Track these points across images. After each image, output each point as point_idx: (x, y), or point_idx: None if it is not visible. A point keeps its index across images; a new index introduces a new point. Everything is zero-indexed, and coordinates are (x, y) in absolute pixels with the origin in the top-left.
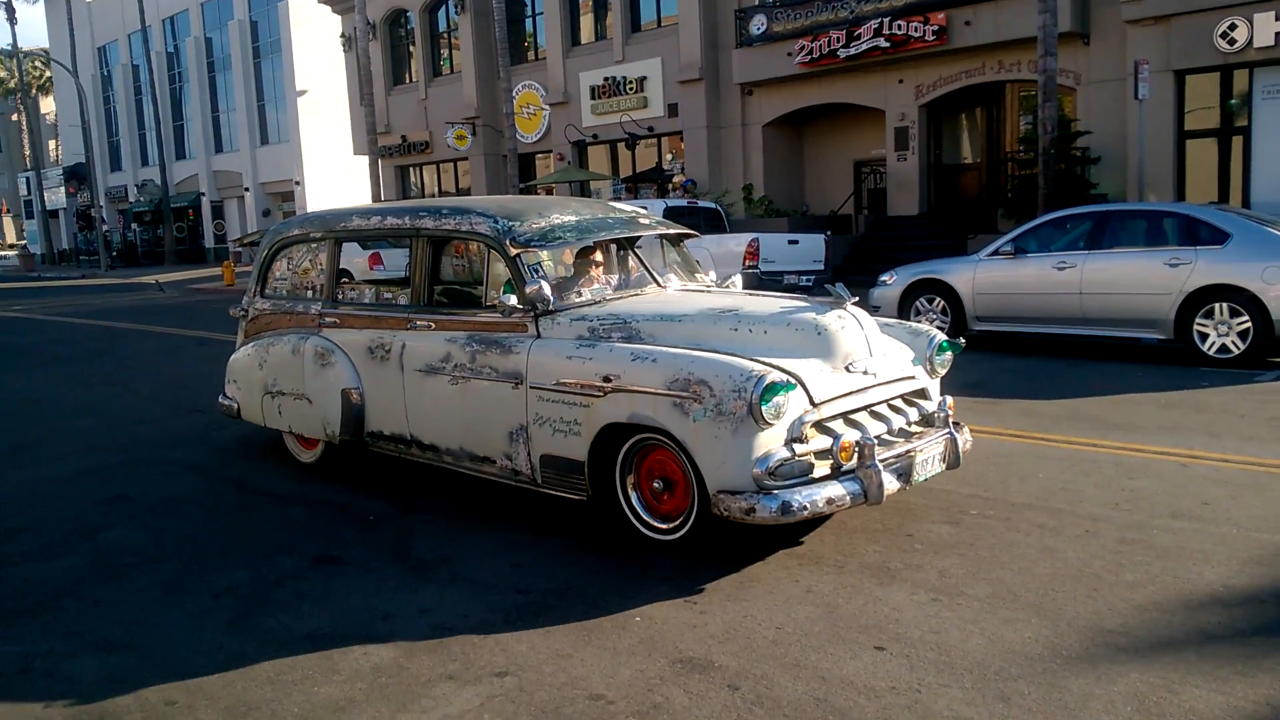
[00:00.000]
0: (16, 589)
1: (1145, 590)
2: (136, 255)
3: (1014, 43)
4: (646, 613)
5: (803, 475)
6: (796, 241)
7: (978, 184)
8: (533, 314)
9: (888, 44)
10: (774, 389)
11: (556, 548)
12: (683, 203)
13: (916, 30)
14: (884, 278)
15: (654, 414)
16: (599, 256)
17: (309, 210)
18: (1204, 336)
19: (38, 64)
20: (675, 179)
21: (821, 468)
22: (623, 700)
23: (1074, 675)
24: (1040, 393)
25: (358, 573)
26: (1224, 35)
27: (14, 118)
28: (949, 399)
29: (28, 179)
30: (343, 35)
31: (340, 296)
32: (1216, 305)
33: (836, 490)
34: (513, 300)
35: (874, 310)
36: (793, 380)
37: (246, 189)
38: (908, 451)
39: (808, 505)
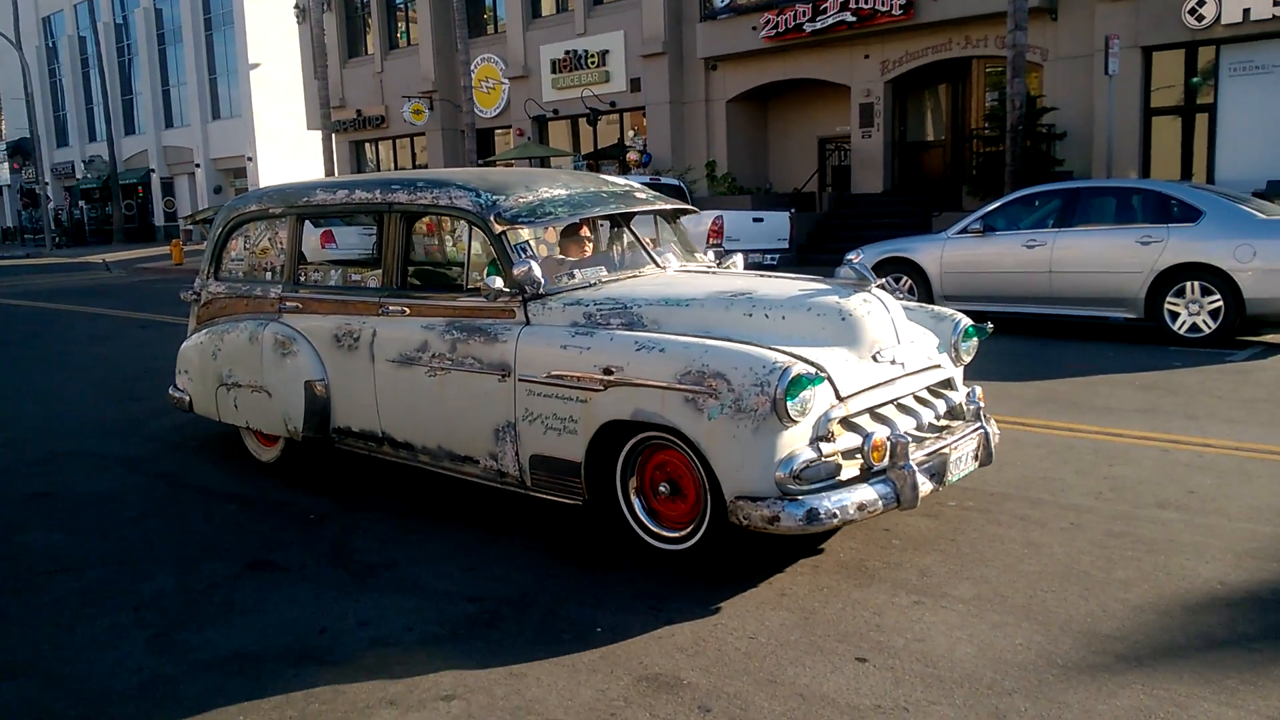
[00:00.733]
0: None
1: (1139, 589)
2: (84, 234)
3: (981, 18)
4: (609, 622)
5: (830, 478)
6: (761, 219)
7: (942, 162)
8: (521, 298)
9: (854, 18)
10: (800, 382)
11: (512, 549)
12: (645, 179)
13: (883, 4)
14: (850, 256)
15: (662, 411)
16: (587, 234)
17: (262, 186)
18: (1175, 315)
19: None
20: (630, 156)
21: (849, 469)
22: None
23: (1072, 688)
24: (1012, 374)
25: (294, 580)
26: (1192, 11)
27: None
28: (978, 389)
29: None
30: (296, 6)
31: (303, 278)
32: (1188, 284)
33: (868, 494)
34: (498, 283)
35: None
36: (820, 372)
37: (197, 165)
38: (941, 449)
39: (837, 512)
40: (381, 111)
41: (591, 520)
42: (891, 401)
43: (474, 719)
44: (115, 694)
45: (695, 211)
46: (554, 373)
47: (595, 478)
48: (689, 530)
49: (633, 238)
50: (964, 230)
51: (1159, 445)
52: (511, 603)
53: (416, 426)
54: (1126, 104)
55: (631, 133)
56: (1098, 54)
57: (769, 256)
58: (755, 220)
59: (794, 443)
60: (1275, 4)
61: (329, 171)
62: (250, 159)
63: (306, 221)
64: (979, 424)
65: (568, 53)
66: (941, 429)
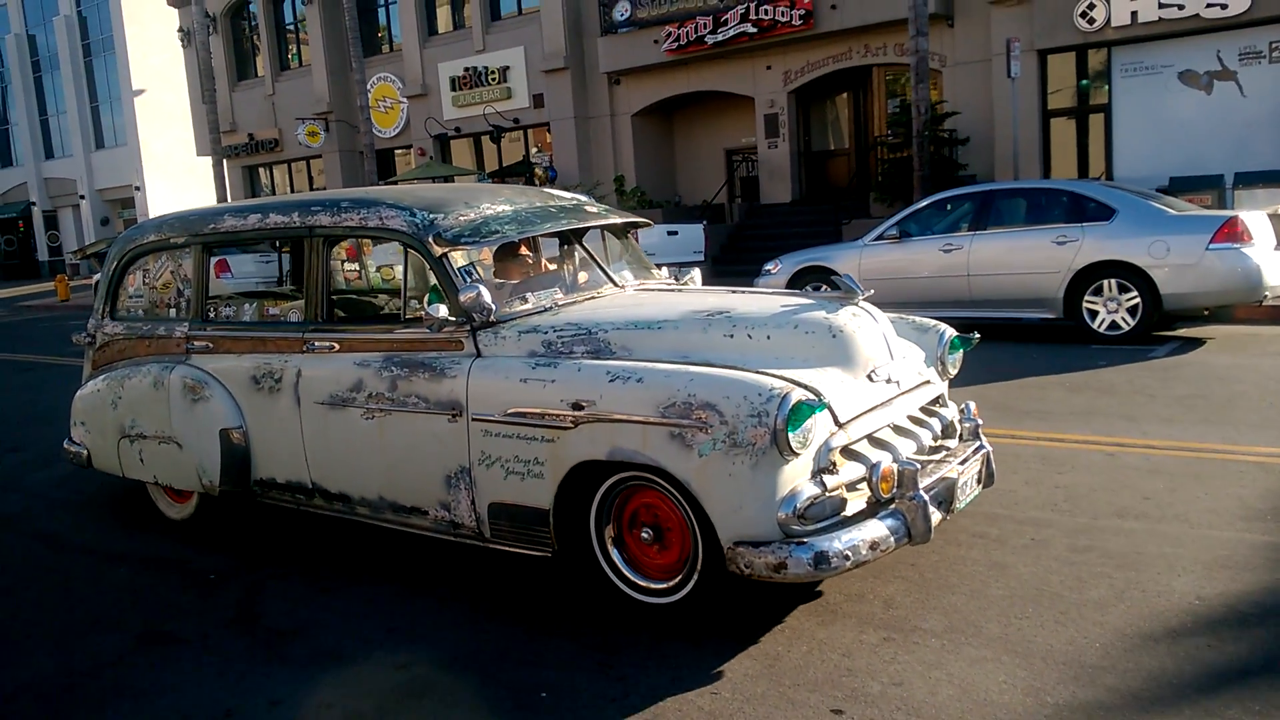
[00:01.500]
0: None
1: (1115, 610)
2: None
3: (880, 26)
4: (554, 683)
5: (835, 514)
6: (676, 232)
7: (848, 170)
8: (469, 327)
9: (755, 29)
10: (802, 410)
11: (438, 604)
12: None
13: (783, 15)
14: (768, 266)
15: (643, 449)
16: (527, 252)
17: (158, 215)
18: (1094, 314)
19: None
20: (536, 172)
21: (854, 502)
22: None
23: None
24: None
25: (195, 653)
26: (1083, 15)
27: None
28: (972, 404)
29: None
30: (180, 29)
31: (212, 314)
32: (1105, 282)
33: (878, 530)
34: (442, 311)
35: None
36: (821, 399)
37: (82, 197)
38: (946, 474)
39: (849, 553)
40: (275, 135)
41: (530, 566)
42: (890, 424)
43: None
44: None
45: (649, 224)
46: (514, 410)
47: (565, 525)
48: (677, 580)
49: (585, 255)
50: (880, 237)
51: (1103, 449)
52: (443, 666)
53: (353, 476)
54: (1026, 106)
55: (535, 149)
56: (995, 58)
57: (683, 270)
58: (670, 233)
59: (795, 478)
60: (1161, 6)
61: (221, 198)
62: (138, 188)
63: (213, 252)
64: (979, 443)
65: (467, 70)
66: (940, 451)
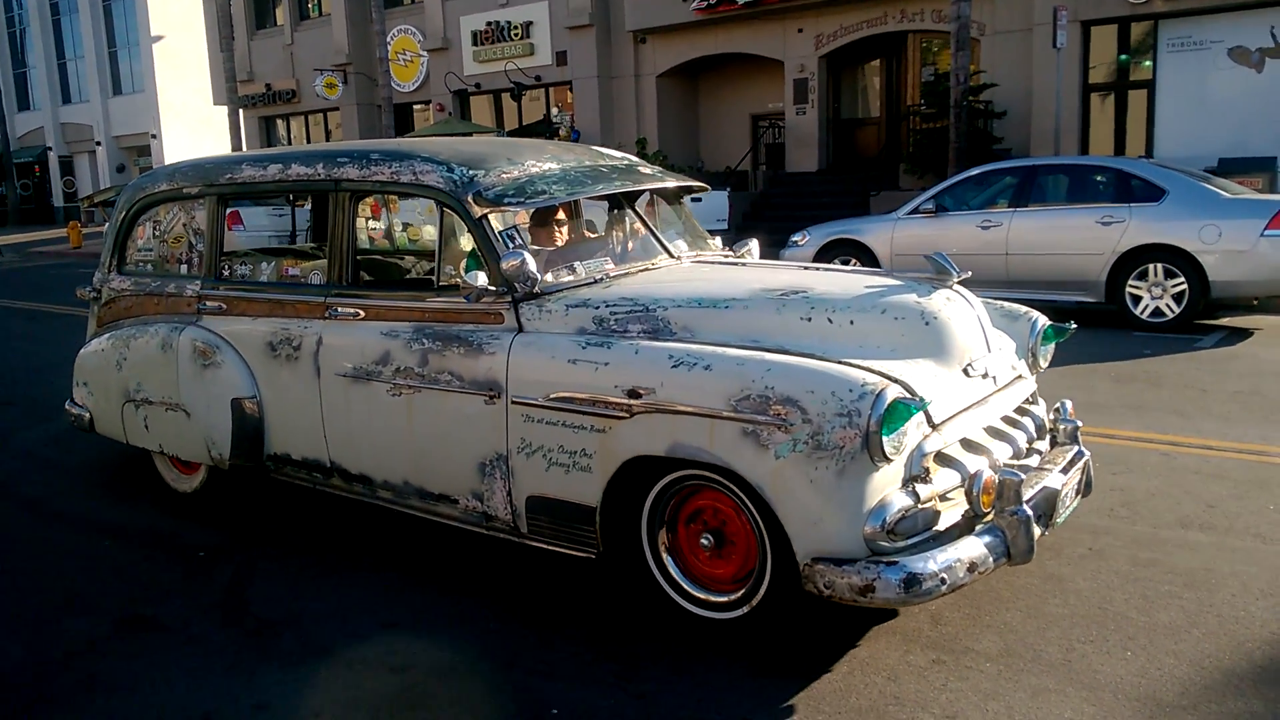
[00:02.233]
0: None
1: (1190, 638)
2: None
3: None
4: (565, 700)
5: (927, 529)
6: (699, 199)
7: (877, 139)
8: (511, 299)
9: None
10: (898, 411)
11: (441, 598)
12: None
13: None
14: (796, 238)
15: (709, 446)
16: (563, 216)
17: (172, 163)
18: (1137, 299)
19: None
20: (561, 132)
21: (947, 515)
22: None
23: None
24: None
25: (175, 642)
26: None
27: None
28: (1068, 403)
29: None
30: None
31: (227, 273)
32: (1151, 266)
33: (976, 549)
34: (482, 279)
35: None
36: (921, 398)
37: (98, 143)
38: (1049, 484)
39: (945, 576)
40: (292, 85)
41: (551, 561)
42: (986, 426)
43: None
44: None
45: (706, 189)
46: (560, 394)
47: (613, 525)
48: (740, 594)
49: (638, 221)
50: (915, 210)
51: (1158, 448)
52: (442, 673)
53: (376, 456)
54: (1067, 80)
55: (556, 109)
56: (1037, 28)
57: (740, 241)
58: (693, 200)
59: (885, 486)
60: None
61: (236, 148)
62: (154, 136)
63: (229, 204)
64: (1077, 448)
65: (489, 24)
66: (1034, 455)
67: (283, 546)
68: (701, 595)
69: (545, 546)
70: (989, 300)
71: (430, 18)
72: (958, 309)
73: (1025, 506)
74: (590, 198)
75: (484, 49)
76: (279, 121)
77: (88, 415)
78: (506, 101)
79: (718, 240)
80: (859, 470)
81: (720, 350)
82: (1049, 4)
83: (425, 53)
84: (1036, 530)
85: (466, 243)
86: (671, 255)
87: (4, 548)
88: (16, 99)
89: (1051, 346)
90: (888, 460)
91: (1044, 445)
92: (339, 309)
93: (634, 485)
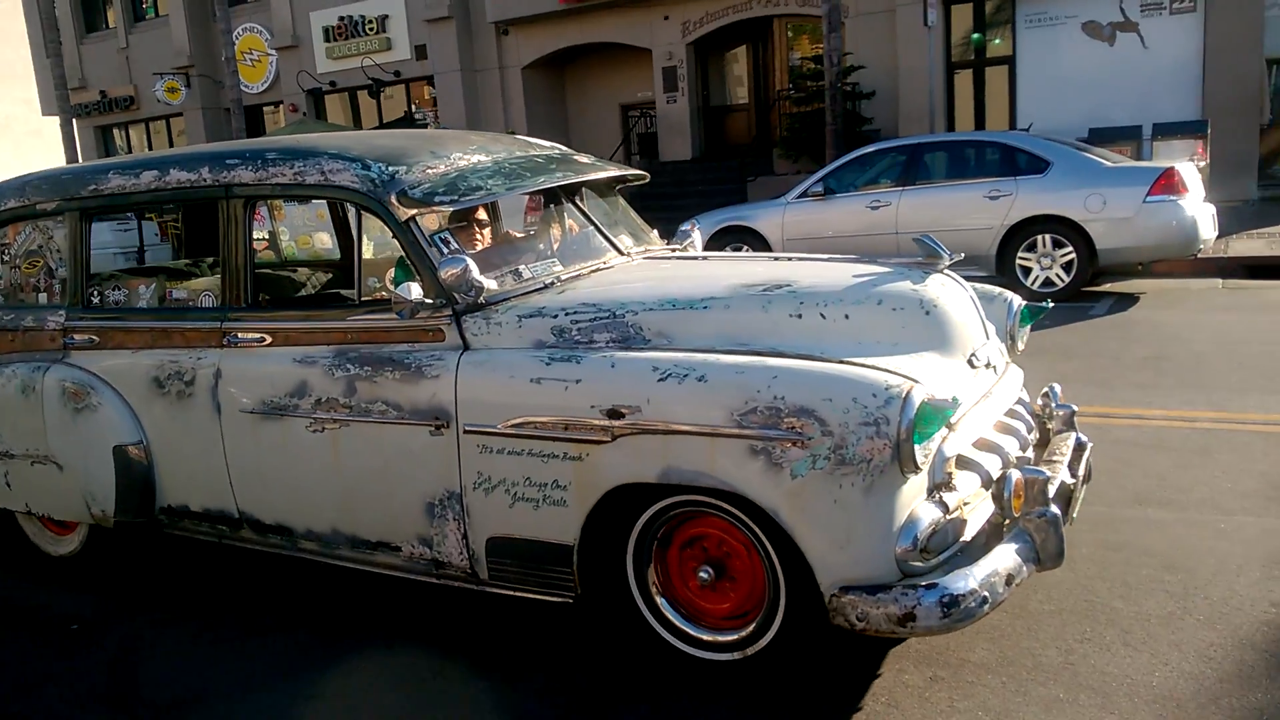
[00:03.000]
0: None
1: (1186, 626)
2: None
3: None
4: None
5: (955, 542)
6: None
7: (748, 125)
8: (452, 312)
9: None
10: (931, 416)
11: (366, 660)
12: None
13: None
14: (684, 227)
15: (710, 469)
16: (483, 215)
17: (16, 176)
18: (1027, 271)
19: None
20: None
21: (971, 522)
22: None
23: None
24: None
25: None
26: None
27: None
28: (1058, 387)
29: None
30: None
31: (97, 299)
32: (1039, 237)
33: (1008, 558)
34: (415, 291)
35: None
36: (954, 397)
37: None
38: (1065, 480)
39: (986, 594)
40: (130, 91)
41: (478, 601)
42: (995, 420)
43: None
44: None
45: (646, 178)
46: (523, 419)
47: (592, 563)
48: (748, 632)
49: (580, 216)
50: (804, 194)
51: (1091, 421)
52: None
53: (295, 503)
54: (932, 59)
55: (415, 106)
56: (900, 9)
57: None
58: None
59: (913, 499)
60: None
61: (71, 161)
62: None
63: (94, 220)
64: (1076, 435)
65: (342, 19)
66: (1041, 447)
67: (170, 611)
68: (705, 636)
69: (511, 593)
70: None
71: (277, 15)
72: (955, 295)
73: (1053, 507)
74: (531, 191)
75: (337, 45)
76: (116, 131)
77: None
78: (364, 99)
79: (653, 233)
80: (888, 484)
81: (712, 357)
82: None
83: (273, 51)
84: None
85: (385, 249)
86: (621, 252)
87: None
88: None
89: (1028, 328)
90: (918, 470)
91: (1034, 434)
92: (239, 334)
93: (617, 517)
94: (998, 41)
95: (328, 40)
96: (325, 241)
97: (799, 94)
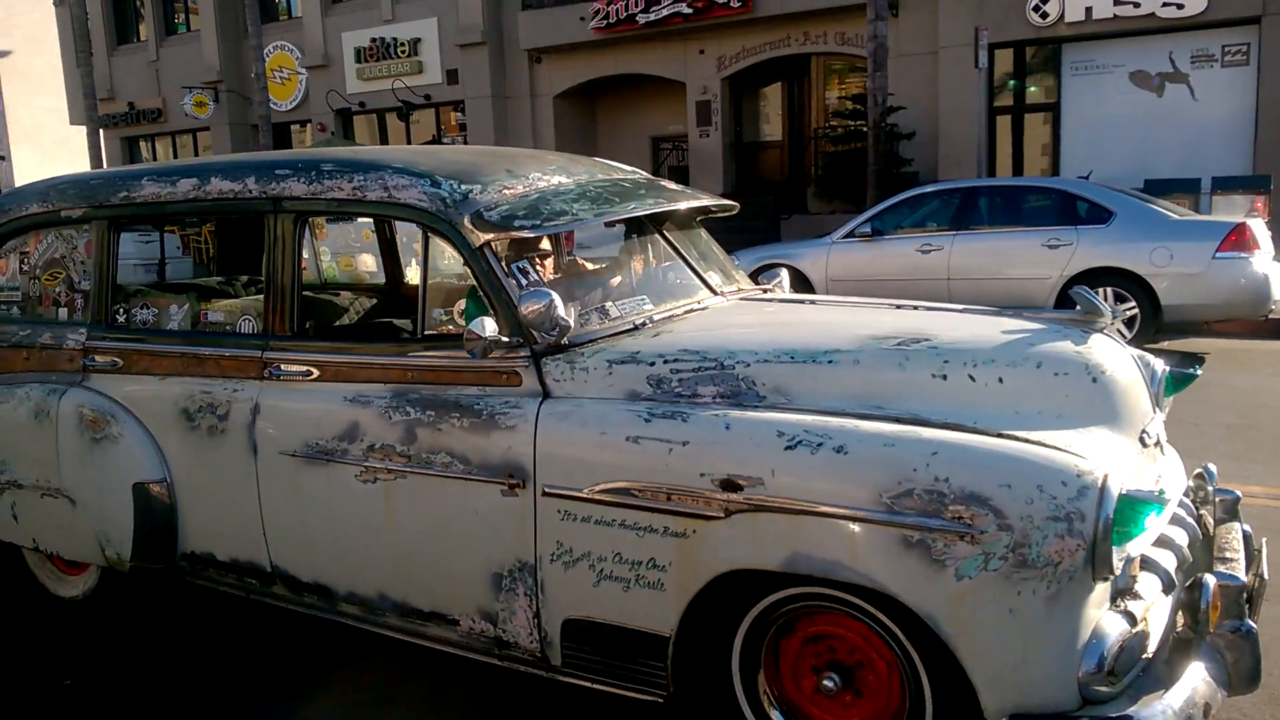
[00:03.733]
0: None
1: None
2: None
3: (819, 13)
4: None
5: (1139, 660)
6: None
7: (781, 162)
8: (530, 352)
9: (690, 10)
10: (1130, 511)
11: None
12: None
13: None
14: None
15: (851, 560)
16: (547, 246)
17: (42, 179)
18: None
19: None
20: None
21: (1153, 634)
22: None
23: None
24: None
25: None
26: (1036, 9)
27: None
28: (1213, 467)
29: None
30: None
31: (123, 318)
32: (1101, 290)
33: (1202, 682)
34: (490, 328)
35: None
36: (1161, 490)
37: None
38: (1246, 583)
39: None
40: (158, 104)
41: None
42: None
43: None
44: None
45: (735, 208)
46: (616, 484)
47: (688, 658)
48: None
49: (669, 249)
50: (851, 234)
51: None
52: None
53: (339, 561)
54: (975, 102)
55: (441, 131)
56: (942, 51)
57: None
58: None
59: (1098, 610)
60: (1116, 4)
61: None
62: (3, 158)
63: (124, 230)
64: (1242, 526)
65: (374, 40)
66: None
67: (179, 676)
68: None
69: (588, 684)
70: None
71: (309, 34)
72: (1123, 360)
73: (1249, 620)
74: (622, 219)
75: (368, 66)
76: (143, 142)
77: None
78: (393, 121)
79: (742, 270)
80: (1076, 592)
81: (849, 423)
82: (954, 27)
83: (304, 70)
84: None
85: (437, 275)
86: (715, 292)
87: None
88: None
89: (1170, 399)
90: (1111, 576)
91: (1226, 526)
92: (283, 366)
93: (724, 606)
94: (1034, 89)
95: (359, 61)
96: (369, 264)
97: (836, 132)
